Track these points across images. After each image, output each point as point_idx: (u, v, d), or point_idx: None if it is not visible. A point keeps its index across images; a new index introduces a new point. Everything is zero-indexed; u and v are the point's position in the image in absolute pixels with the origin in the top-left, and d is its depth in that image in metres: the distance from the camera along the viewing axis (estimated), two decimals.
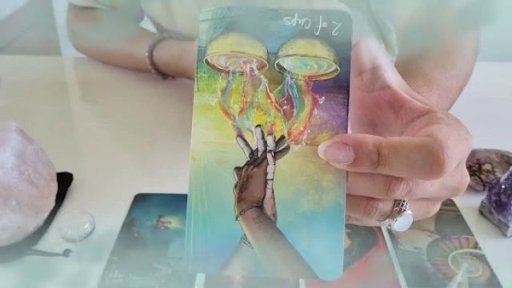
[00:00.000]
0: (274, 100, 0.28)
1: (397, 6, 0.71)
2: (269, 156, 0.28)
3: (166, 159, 0.62)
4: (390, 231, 0.51)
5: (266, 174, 0.28)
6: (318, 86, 0.28)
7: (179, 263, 0.46)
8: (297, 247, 0.27)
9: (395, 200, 0.29)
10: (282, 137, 0.28)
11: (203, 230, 0.27)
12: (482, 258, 0.48)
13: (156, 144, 0.66)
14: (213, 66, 0.28)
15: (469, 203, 0.55)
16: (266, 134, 0.28)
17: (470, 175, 0.51)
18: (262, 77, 0.28)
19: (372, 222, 0.30)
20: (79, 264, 0.47)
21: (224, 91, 0.28)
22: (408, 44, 0.66)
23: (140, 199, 0.55)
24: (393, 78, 0.31)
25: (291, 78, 0.28)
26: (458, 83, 0.58)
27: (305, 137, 0.28)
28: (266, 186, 0.28)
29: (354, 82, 0.30)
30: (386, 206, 0.29)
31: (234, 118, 0.28)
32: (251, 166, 0.28)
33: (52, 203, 0.50)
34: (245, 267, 0.27)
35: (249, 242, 0.27)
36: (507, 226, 0.50)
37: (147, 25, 0.89)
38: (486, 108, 0.72)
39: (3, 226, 0.45)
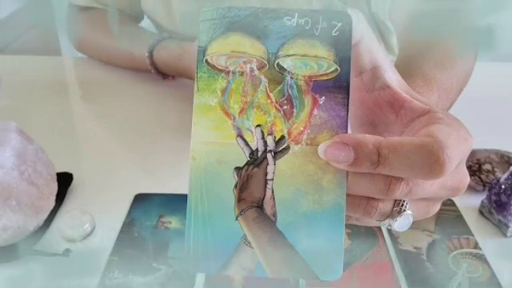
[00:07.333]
0: (274, 100, 0.28)
1: (397, 6, 0.71)
2: (269, 156, 0.28)
3: (165, 159, 0.62)
4: (390, 231, 0.51)
5: (266, 174, 0.28)
6: (318, 86, 0.28)
7: (179, 263, 0.46)
8: (297, 247, 0.27)
9: (395, 200, 0.29)
10: (282, 137, 0.28)
11: (203, 230, 0.27)
12: (481, 258, 0.48)
13: (156, 144, 0.66)
14: (213, 66, 0.28)
15: (469, 203, 0.55)
16: (266, 134, 0.28)
17: (470, 175, 0.51)
18: (262, 77, 0.28)
19: (372, 222, 0.30)
20: (79, 264, 0.47)
21: (224, 91, 0.28)
22: (408, 43, 0.66)
23: (140, 199, 0.55)
24: (393, 78, 0.31)
25: (291, 78, 0.28)
26: (458, 83, 0.58)
27: (305, 137, 0.28)
28: (266, 186, 0.28)
29: (353, 82, 0.30)
30: (385, 206, 0.29)
31: (234, 118, 0.28)
32: (251, 166, 0.28)
33: (52, 203, 0.50)
34: (245, 267, 0.27)
35: (249, 242, 0.27)
36: (507, 226, 0.50)
37: (147, 25, 0.89)
38: (486, 108, 0.72)
39: (3, 226, 0.45)
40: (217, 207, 0.27)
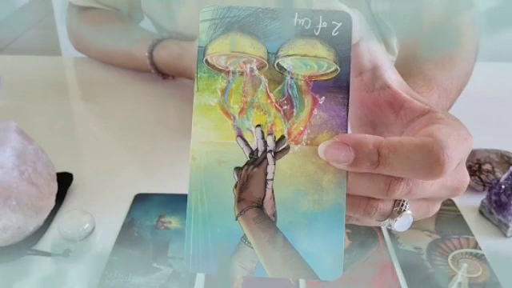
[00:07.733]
0: (274, 100, 0.28)
1: (397, 6, 0.71)
2: (269, 156, 0.28)
3: (165, 159, 0.62)
4: (390, 231, 0.51)
5: (266, 174, 0.28)
6: (318, 86, 0.28)
7: (179, 263, 0.46)
8: (297, 247, 0.27)
9: (395, 200, 0.29)
10: (282, 137, 0.28)
11: (203, 230, 0.27)
12: (481, 258, 0.48)
13: (156, 144, 0.66)
14: (213, 66, 0.28)
15: (469, 203, 0.55)
16: (266, 134, 0.28)
17: (470, 175, 0.51)
18: (262, 77, 0.28)
19: (372, 222, 0.30)
20: (79, 264, 0.47)
21: (224, 91, 0.28)
22: (409, 44, 0.66)
23: (140, 199, 0.55)
24: (393, 77, 0.31)
25: (291, 78, 0.28)
26: (458, 83, 0.58)
27: (305, 137, 0.28)
28: (266, 186, 0.28)
29: (354, 82, 0.30)
30: (385, 206, 0.29)
31: (234, 118, 0.28)
32: (251, 166, 0.28)
33: (52, 203, 0.50)
34: (245, 267, 0.27)
35: (249, 242, 0.27)
36: (507, 226, 0.50)
37: (147, 25, 0.89)
38: (486, 108, 0.72)
39: (3, 225, 0.45)
40: (217, 207, 0.27)
